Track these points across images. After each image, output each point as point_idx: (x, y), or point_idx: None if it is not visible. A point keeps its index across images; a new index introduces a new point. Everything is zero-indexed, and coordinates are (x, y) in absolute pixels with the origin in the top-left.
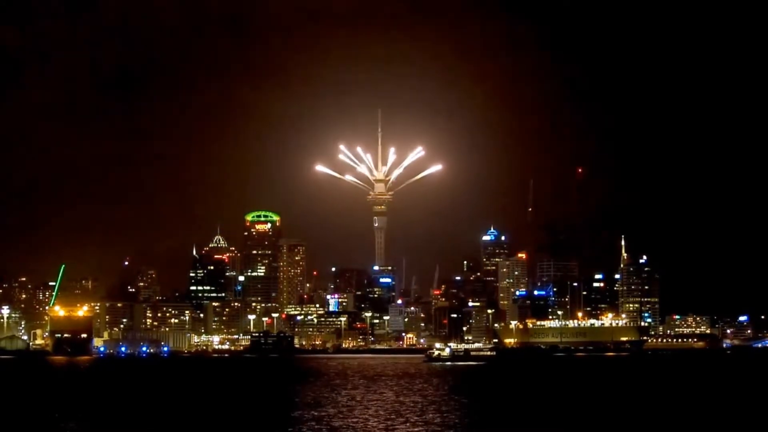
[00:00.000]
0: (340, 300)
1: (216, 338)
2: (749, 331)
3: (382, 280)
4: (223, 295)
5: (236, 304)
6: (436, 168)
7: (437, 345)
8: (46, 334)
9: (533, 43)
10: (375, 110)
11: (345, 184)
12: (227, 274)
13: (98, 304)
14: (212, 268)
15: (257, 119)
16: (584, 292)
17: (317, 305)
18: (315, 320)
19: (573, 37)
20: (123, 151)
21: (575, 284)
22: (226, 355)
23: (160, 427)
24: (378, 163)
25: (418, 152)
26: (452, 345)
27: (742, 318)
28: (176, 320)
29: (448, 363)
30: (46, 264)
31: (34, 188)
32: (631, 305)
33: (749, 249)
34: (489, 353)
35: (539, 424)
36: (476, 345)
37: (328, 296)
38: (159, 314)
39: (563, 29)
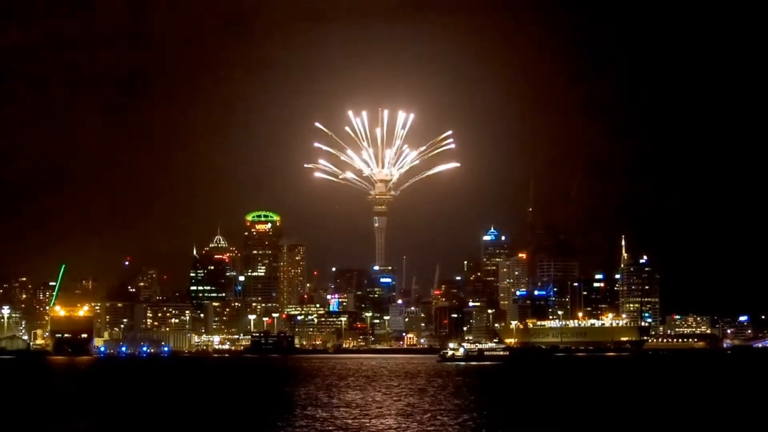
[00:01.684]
0: (340, 300)
1: (216, 338)
2: (749, 331)
3: (382, 280)
4: (224, 295)
5: (237, 304)
6: (454, 165)
7: (451, 345)
8: (47, 334)
9: (533, 41)
10: (376, 109)
11: (345, 182)
12: (228, 274)
13: (99, 304)
14: (213, 268)
15: (258, 119)
16: (584, 292)
17: (318, 305)
18: (315, 320)
19: (574, 37)
20: (123, 151)
21: (575, 284)
22: (227, 355)
23: (161, 427)
24: (379, 162)
25: (447, 135)
26: (466, 345)
27: (743, 318)
28: (176, 320)
29: (462, 363)
30: (47, 264)
31: (34, 188)
32: (631, 305)
33: (749, 249)
34: (503, 353)
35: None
36: (490, 345)
37: (329, 296)
38: (159, 314)
39: (566, 29)
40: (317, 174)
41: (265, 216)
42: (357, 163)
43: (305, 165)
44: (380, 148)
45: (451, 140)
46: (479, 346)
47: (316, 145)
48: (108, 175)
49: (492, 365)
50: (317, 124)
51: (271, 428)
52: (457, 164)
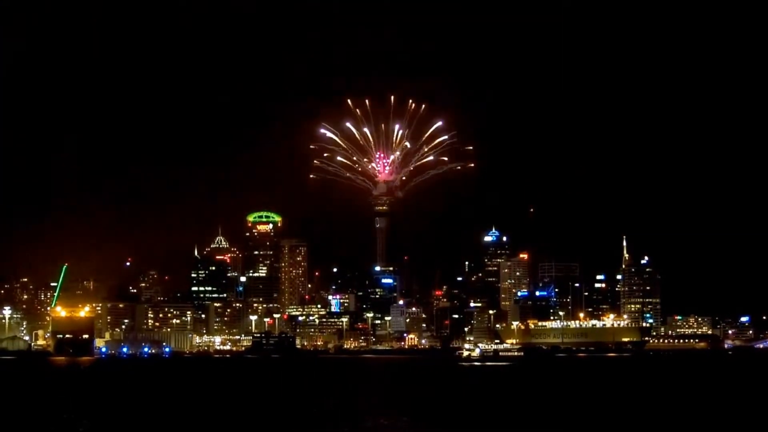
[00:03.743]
0: (341, 300)
1: (218, 339)
2: (750, 332)
3: (383, 280)
4: (225, 295)
5: (238, 304)
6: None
7: (466, 346)
8: (48, 334)
9: (533, 38)
10: (380, 111)
11: (347, 183)
12: (229, 274)
13: (100, 304)
14: (214, 268)
15: (259, 119)
16: (586, 293)
17: (319, 306)
18: (316, 321)
19: (574, 37)
20: (124, 151)
21: (577, 285)
22: (228, 355)
23: (165, 428)
24: (383, 160)
25: (452, 135)
26: (481, 345)
27: (744, 319)
28: (178, 321)
29: (477, 363)
30: (48, 265)
31: (34, 189)
32: (632, 306)
33: (750, 250)
34: (517, 353)
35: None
36: (505, 345)
37: (330, 297)
38: (161, 315)
39: (563, 28)
40: (319, 174)
41: (267, 216)
42: (360, 164)
43: (314, 162)
44: (383, 148)
45: (460, 143)
46: (494, 346)
47: (318, 145)
48: (109, 175)
49: (510, 365)
50: (324, 124)
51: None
52: (472, 164)
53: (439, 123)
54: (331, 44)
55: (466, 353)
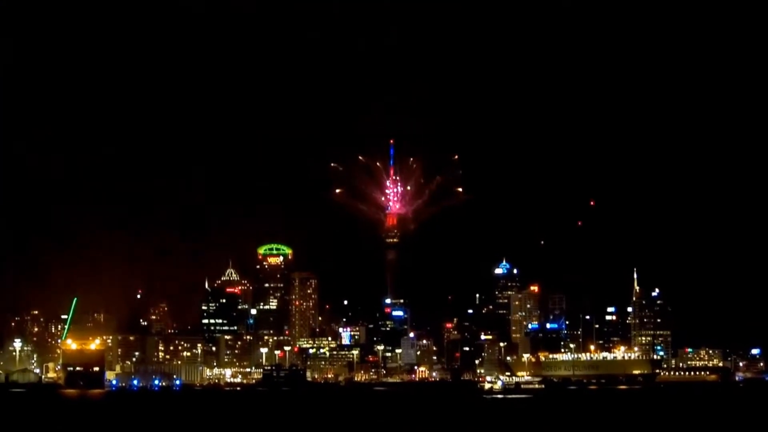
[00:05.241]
0: (352, 333)
1: (228, 371)
2: (761, 364)
3: (394, 313)
4: (236, 328)
5: (248, 337)
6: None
7: (488, 378)
8: (59, 367)
9: (539, 64)
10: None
11: (357, 215)
12: (239, 307)
13: (110, 337)
14: (224, 301)
15: (270, 149)
16: (596, 326)
17: (329, 338)
18: (327, 353)
19: (576, 59)
20: (133, 184)
21: (587, 317)
22: (238, 388)
23: None
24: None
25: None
26: (503, 378)
27: (755, 351)
28: (188, 353)
29: (500, 396)
30: (59, 297)
31: (45, 221)
32: (643, 338)
33: (761, 282)
34: (538, 386)
35: None
36: (526, 378)
37: (341, 329)
38: (171, 347)
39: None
40: (330, 206)
41: (277, 249)
42: (372, 198)
43: (325, 194)
44: (395, 180)
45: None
46: (516, 379)
47: (329, 176)
48: (119, 208)
49: (530, 398)
50: (336, 160)
51: None
52: (470, 196)
53: (455, 156)
54: (334, 50)
55: (488, 386)
